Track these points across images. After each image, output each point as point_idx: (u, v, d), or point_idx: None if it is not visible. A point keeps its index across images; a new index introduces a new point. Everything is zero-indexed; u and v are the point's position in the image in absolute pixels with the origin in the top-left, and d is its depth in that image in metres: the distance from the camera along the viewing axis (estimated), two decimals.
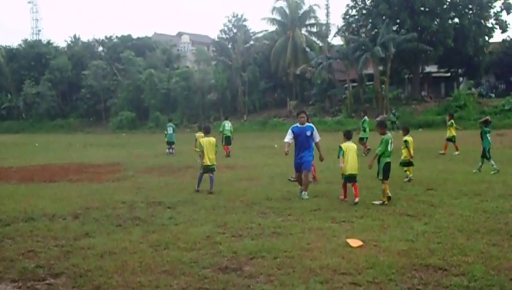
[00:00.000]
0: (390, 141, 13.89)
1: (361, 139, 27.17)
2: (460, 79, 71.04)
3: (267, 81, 73.77)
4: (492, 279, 7.31)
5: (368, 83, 64.81)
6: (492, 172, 18.99)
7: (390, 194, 13.76)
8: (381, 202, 13.43)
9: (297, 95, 72.62)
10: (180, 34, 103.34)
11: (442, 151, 26.44)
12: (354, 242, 9.27)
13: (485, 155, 19.69)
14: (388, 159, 13.88)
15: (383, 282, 7.35)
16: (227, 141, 28.59)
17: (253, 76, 71.29)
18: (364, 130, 27.44)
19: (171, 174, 21.67)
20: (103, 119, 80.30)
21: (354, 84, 63.94)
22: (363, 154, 25.79)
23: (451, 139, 27.00)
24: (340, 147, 14.09)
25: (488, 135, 20.00)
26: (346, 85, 63.10)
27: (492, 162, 19.43)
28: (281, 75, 72.72)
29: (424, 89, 68.88)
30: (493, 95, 62.88)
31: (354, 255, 8.62)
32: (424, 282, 7.34)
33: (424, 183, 16.71)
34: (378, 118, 29.49)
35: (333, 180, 17.75)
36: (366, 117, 28.51)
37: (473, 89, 59.80)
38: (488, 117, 22.00)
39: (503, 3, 62.09)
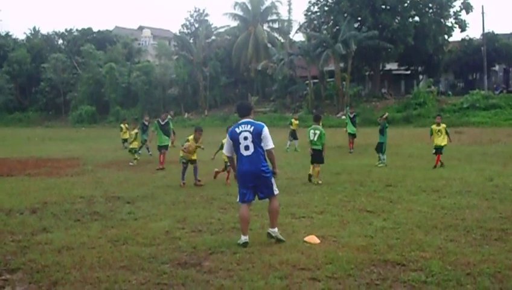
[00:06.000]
0: (312, 131, 16.86)
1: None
2: (420, 77, 71.77)
3: (229, 76, 73.57)
4: (449, 274, 7.39)
5: (328, 80, 64.93)
6: (381, 165, 20.75)
7: (312, 176, 16.67)
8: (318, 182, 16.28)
9: (259, 90, 72.61)
10: (141, 28, 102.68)
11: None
12: (311, 239, 9.30)
13: (381, 149, 21.22)
14: (314, 147, 16.83)
15: (342, 277, 7.38)
16: None
17: (215, 71, 71.07)
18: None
19: (131, 169, 21.57)
20: (63, 113, 79.32)
21: (315, 80, 63.99)
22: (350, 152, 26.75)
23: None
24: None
25: (387, 130, 21.80)
26: (307, 81, 63.14)
27: (385, 156, 21.23)
28: (243, 71, 72.69)
29: (385, 86, 69.38)
30: (451, 93, 63.68)
31: (313, 250, 8.64)
32: (383, 277, 7.39)
33: (383, 179, 16.86)
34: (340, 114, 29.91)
35: (293, 176, 17.85)
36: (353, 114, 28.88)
37: (432, 87, 60.40)
38: (387, 113, 24.37)
39: (462, 3, 62.80)
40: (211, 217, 11.34)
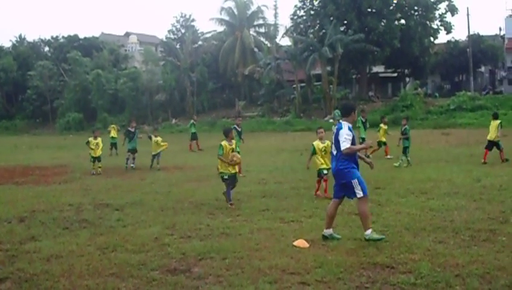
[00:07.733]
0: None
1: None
2: (407, 79, 72.02)
3: (216, 81, 73.45)
4: (439, 276, 7.41)
5: (316, 83, 64.97)
6: (405, 165, 21.34)
7: None
8: None
9: (246, 95, 72.57)
10: (127, 34, 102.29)
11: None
12: (300, 243, 9.30)
13: (405, 151, 21.74)
14: None
15: (332, 281, 7.39)
16: None
17: (202, 76, 70.90)
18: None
19: (119, 176, 21.50)
20: (50, 120, 78.94)
21: (302, 84, 64.06)
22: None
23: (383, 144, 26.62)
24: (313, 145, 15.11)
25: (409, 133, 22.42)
26: (295, 85, 63.18)
27: (408, 158, 21.71)
28: (230, 76, 72.58)
29: (372, 89, 69.48)
30: (438, 95, 63.99)
31: (303, 254, 8.65)
32: (372, 280, 7.40)
33: (372, 182, 16.83)
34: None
35: (282, 181, 17.85)
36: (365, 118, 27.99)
37: (419, 89, 60.63)
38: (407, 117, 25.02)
39: (447, 5, 63.04)
40: (199, 223, 11.32)
